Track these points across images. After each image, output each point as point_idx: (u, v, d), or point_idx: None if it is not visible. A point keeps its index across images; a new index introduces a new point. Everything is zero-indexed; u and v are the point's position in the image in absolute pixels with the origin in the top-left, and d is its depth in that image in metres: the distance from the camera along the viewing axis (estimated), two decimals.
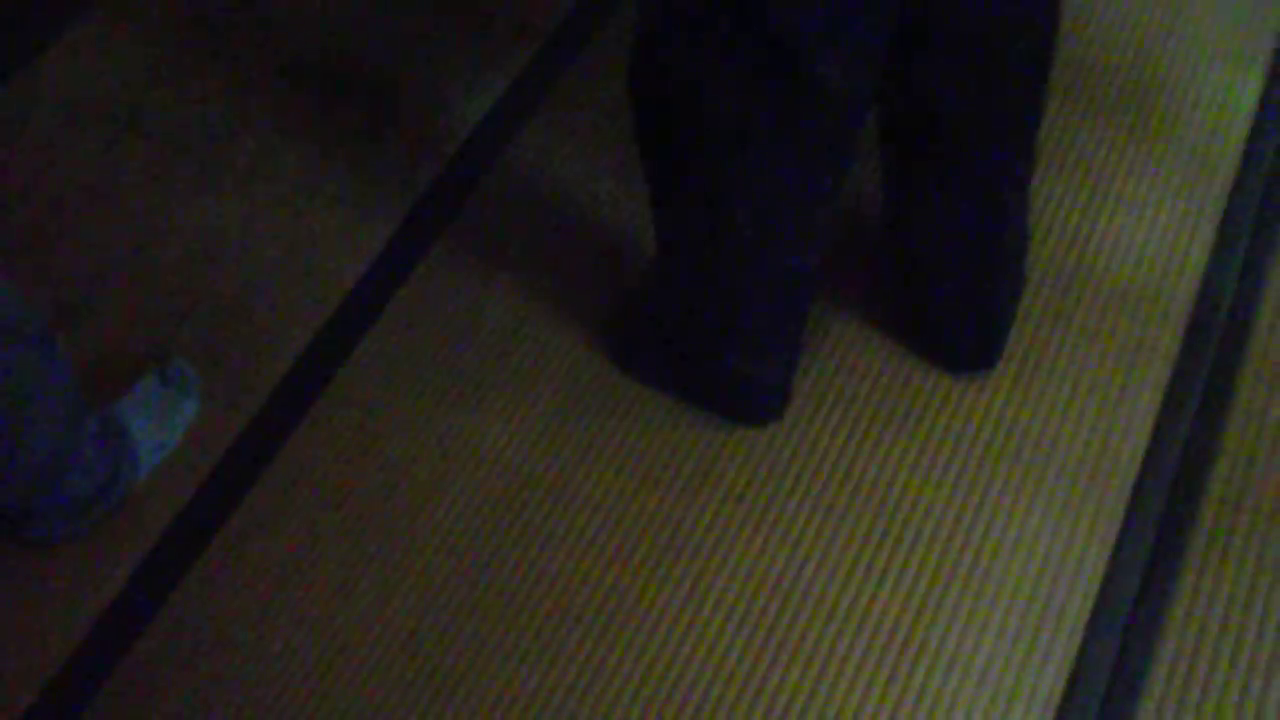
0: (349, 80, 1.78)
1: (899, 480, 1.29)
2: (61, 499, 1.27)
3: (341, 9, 1.87)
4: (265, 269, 1.58)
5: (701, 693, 1.19)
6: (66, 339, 1.51)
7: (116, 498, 1.34)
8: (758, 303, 1.14)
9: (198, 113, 1.76)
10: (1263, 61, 1.58)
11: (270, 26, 1.86)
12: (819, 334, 1.39)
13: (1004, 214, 1.14)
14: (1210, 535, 1.23)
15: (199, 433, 1.43)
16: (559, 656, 1.22)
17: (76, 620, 1.30)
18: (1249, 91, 1.56)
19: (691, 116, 0.93)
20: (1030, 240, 1.31)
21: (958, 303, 1.24)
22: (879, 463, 1.30)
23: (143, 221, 1.65)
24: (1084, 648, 1.18)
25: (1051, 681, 1.16)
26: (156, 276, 1.59)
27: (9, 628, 1.30)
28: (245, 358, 1.50)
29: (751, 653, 1.20)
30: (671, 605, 1.24)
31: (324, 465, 1.39)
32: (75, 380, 1.23)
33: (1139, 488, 1.26)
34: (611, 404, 1.39)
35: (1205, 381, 1.33)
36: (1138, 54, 1.60)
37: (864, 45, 0.86)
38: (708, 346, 1.24)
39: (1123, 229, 1.44)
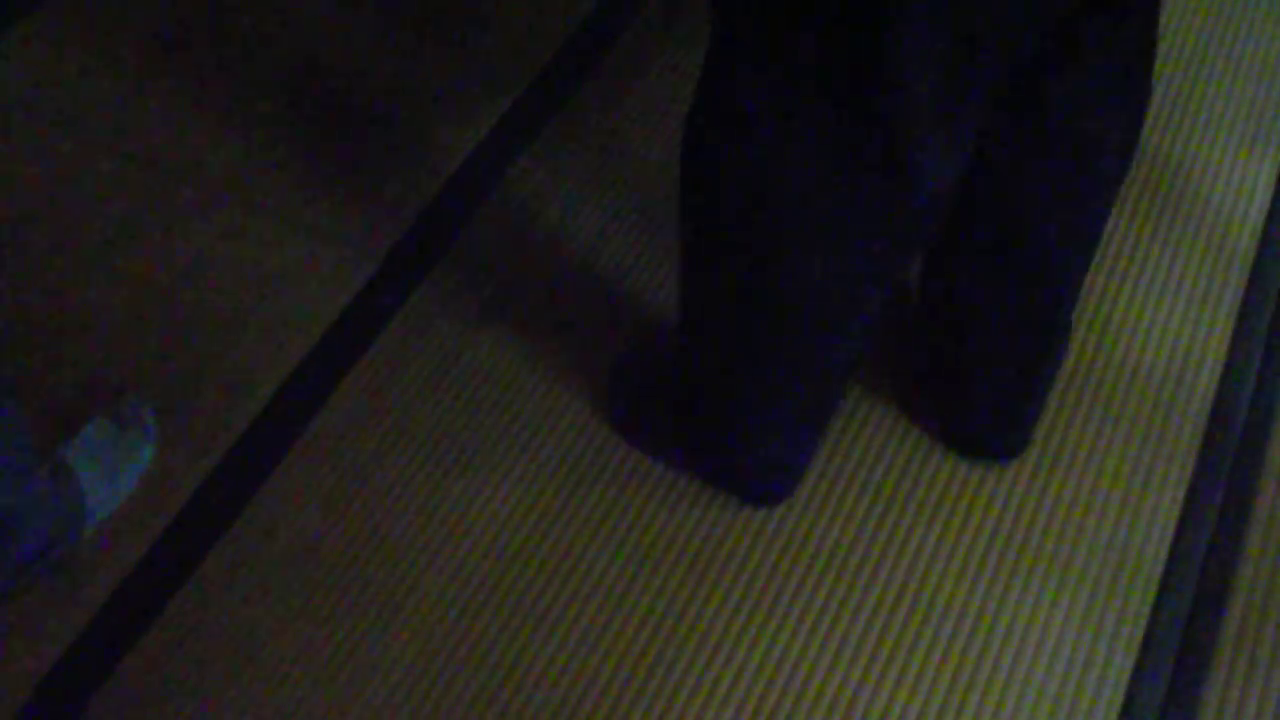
0: (331, 103, 1.66)
1: (916, 571, 1.22)
2: (9, 556, 1.14)
3: (328, 28, 1.76)
4: (235, 303, 1.46)
5: None
6: (13, 368, 1.38)
7: (58, 554, 1.21)
8: (794, 390, 1.07)
9: (163, 126, 1.64)
10: (1277, 144, 1.56)
11: (251, 44, 1.74)
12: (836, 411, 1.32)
13: (1060, 308, 1.09)
14: (1237, 641, 1.18)
15: (155, 482, 1.31)
16: None
17: (4, 696, 1.17)
18: (1264, 174, 1.53)
19: (757, 197, 0.85)
20: (1071, 330, 1.26)
21: (995, 392, 1.18)
22: (896, 551, 1.23)
23: (98, 240, 1.52)
24: None
25: None
26: (114, 305, 1.46)
27: None
28: (210, 400, 1.38)
29: None
30: (675, 701, 1.15)
31: (292, 526, 1.28)
32: (26, 425, 1.11)
33: (1164, 587, 1.21)
34: (611, 473, 1.30)
35: (1229, 474, 1.28)
36: (1153, 136, 1.56)
37: (964, 133, 0.79)
38: (727, 427, 1.16)
39: (1141, 313, 1.40)
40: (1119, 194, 1.02)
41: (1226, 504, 1.27)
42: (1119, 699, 1.15)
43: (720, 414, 1.17)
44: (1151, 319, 1.40)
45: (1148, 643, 1.18)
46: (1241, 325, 1.40)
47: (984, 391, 1.20)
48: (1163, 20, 1.27)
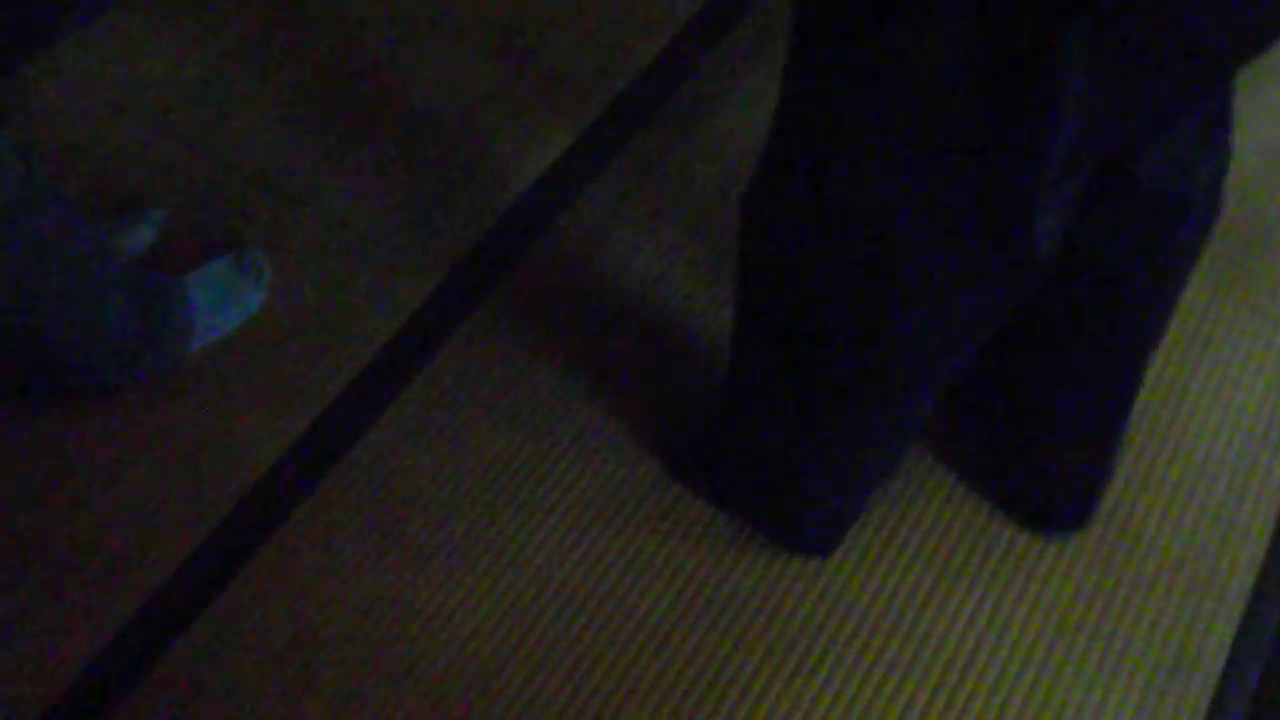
0: (405, 123, 1.67)
1: (967, 641, 1.18)
2: (101, 356, 1.30)
3: (406, 50, 1.76)
4: (294, 312, 1.46)
5: None
6: None
7: (166, 357, 1.38)
8: (860, 443, 1.04)
9: (244, 131, 1.65)
10: None
11: (322, 53, 1.75)
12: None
13: (1135, 377, 1.05)
14: None
15: (207, 483, 1.31)
16: None
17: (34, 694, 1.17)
18: None
19: (838, 251, 0.82)
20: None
21: (1063, 462, 1.14)
22: (946, 619, 1.20)
23: (191, 246, 1.53)
24: None
25: None
26: None
27: None
28: (256, 414, 1.38)
29: None
30: None
31: (338, 542, 1.27)
32: (99, 250, 1.27)
33: (1225, 679, 1.17)
34: (660, 513, 1.28)
35: None
36: (1238, 203, 1.51)
37: (1076, 196, 0.77)
38: (784, 476, 1.13)
39: (1219, 387, 1.36)
40: (1198, 260, 0.98)
41: None
42: None
43: (773, 459, 1.14)
44: (1230, 395, 1.35)
45: None
46: None
47: (1050, 460, 1.16)
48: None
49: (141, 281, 1.34)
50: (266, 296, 1.47)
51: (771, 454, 1.13)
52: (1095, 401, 1.06)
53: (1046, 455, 1.16)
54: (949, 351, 0.90)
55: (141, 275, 1.35)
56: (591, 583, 1.24)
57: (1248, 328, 1.40)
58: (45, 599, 1.24)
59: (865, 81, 0.72)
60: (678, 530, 1.26)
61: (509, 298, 1.47)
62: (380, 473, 1.33)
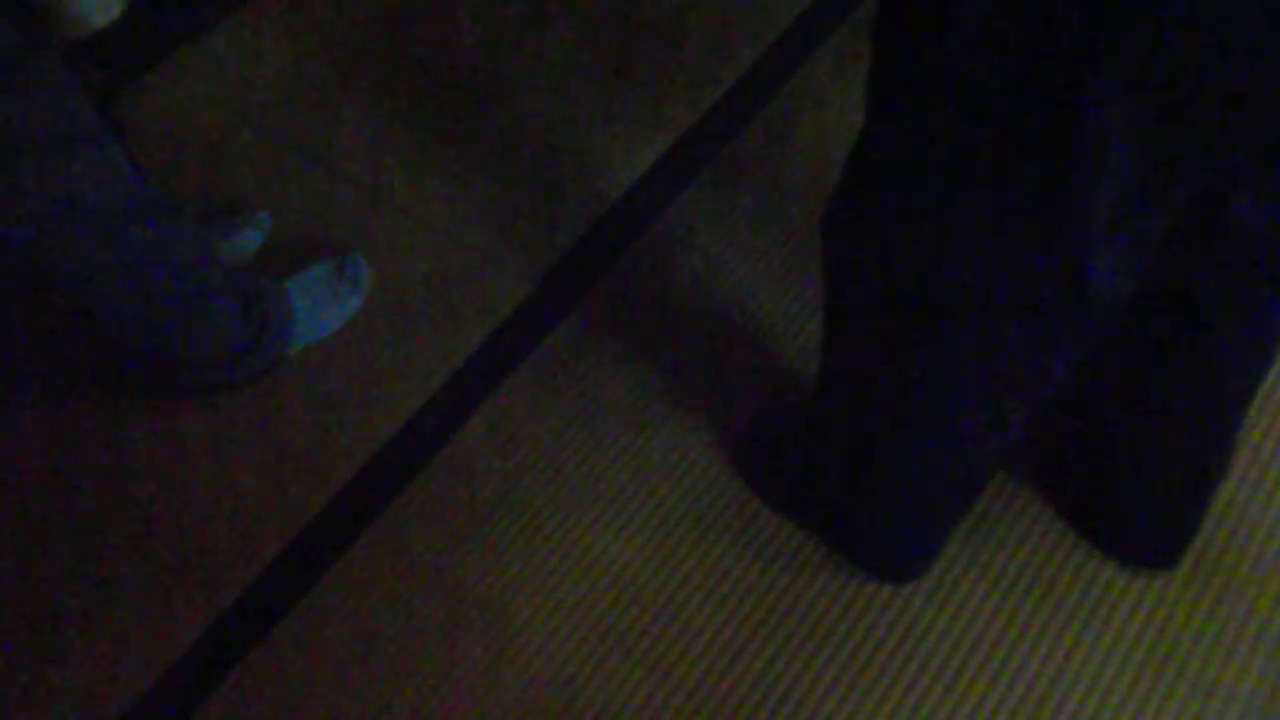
0: (499, 128, 1.70)
1: (1045, 674, 1.16)
2: (206, 356, 1.37)
3: (501, 56, 1.80)
4: (385, 318, 1.51)
5: None
6: None
7: (267, 359, 1.43)
8: (935, 476, 1.03)
9: (343, 135, 1.71)
10: None
11: (427, 62, 1.80)
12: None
13: (1237, 419, 1.01)
14: None
15: (295, 482, 1.37)
16: None
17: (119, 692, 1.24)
18: None
19: (916, 282, 0.82)
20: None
21: (1157, 497, 1.11)
22: (1026, 651, 1.18)
23: (297, 242, 1.60)
24: None
25: None
26: None
27: None
28: (352, 411, 1.43)
29: None
30: None
31: (422, 542, 1.32)
32: (206, 256, 1.34)
33: None
34: (738, 528, 1.29)
35: None
36: None
37: (1145, 243, 0.75)
38: (863, 502, 1.13)
39: None
40: None
41: None
42: None
43: (854, 483, 1.14)
44: None
45: None
46: None
47: (1143, 498, 1.13)
48: None
49: (246, 285, 1.40)
50: (364, 301, 1.52)
51: (854, 476, 1.12)
52: (1189, 443, 1.03)
53: (1135, 494, 1.13)
54: (1011, 388, 0.89)
55: (246, 279, 1.41)
56: (667, 593, 1.25)
57: None
58: (146, 590, 1.32)
59: (918, 103, 0.71)
60: (755, 547, 1.27)
61: (599, 305, 1.50)
62: (467, 475, 1.36)
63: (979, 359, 0.86)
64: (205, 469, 1.40)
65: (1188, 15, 0.59)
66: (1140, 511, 1.15)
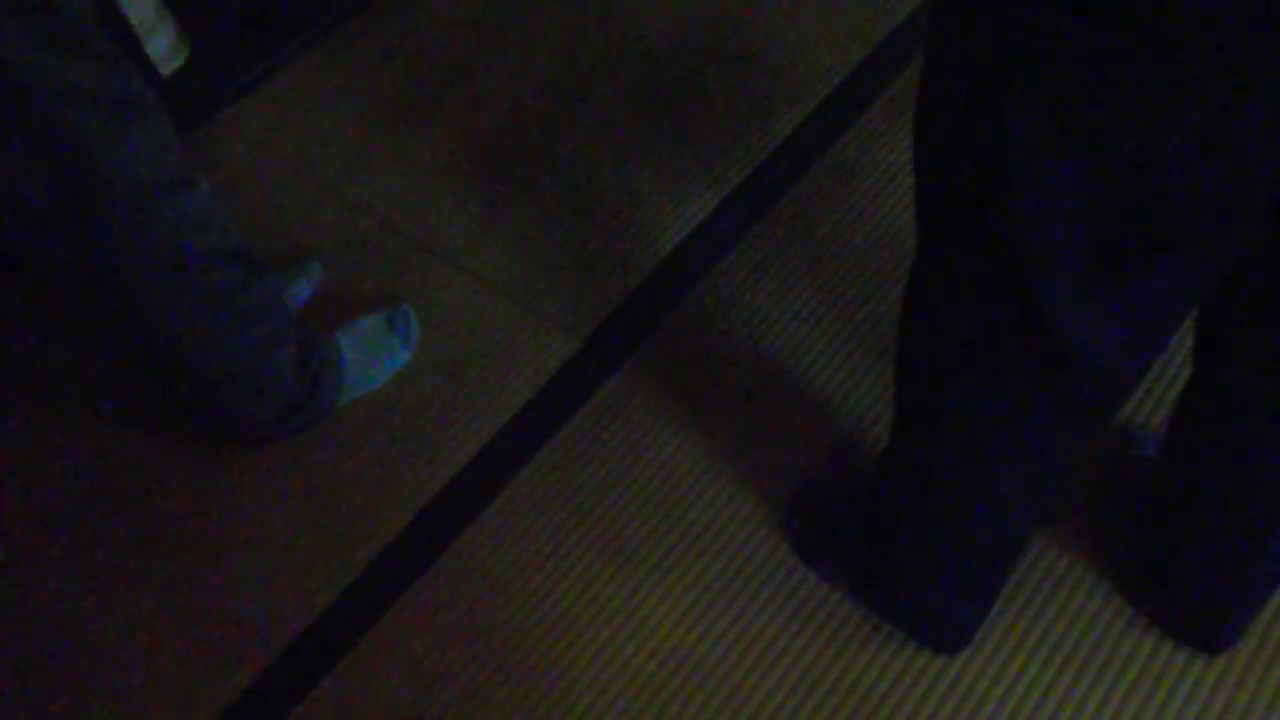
0: (552, 183, 1.71)
1: None
2: (263, 406, 1.39)
3: (553, 107, 1.81)
4: (434, 371, 1.52)
5: None
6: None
7: (317, 413, 1.45)
8: (960, 552, 1.02)
9: (397, 188, 1.73)
10: None
11: (474, 108, 1.82)
12: (1032, 561, 1.25)
13: None
14: None
15: (347, 533, 1.38)
16: None
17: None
18: None
19: (935, 353, 0.85)
20: None
21: (1211, 580, 1.09)
22: None
23: (338, 288, 1.61)
24: None
25: None
26: None
27: None
28: (410, 468, 1.44)
29: None
30: None
31: (465, 599, 1.32)
32: (282, 304, 1.38)
33: None
34: (785, 595, 1.27)
35: None
36: None
37: (1141, 314, 0.74)
38: (905, 573, 1.12)
39: None
40: None
41: None
42: None
43: (896, 553, 1.13)
44: None
45: None
46: None
47: (1199, 577, 1.11)
48: None
49: (305, 337, 1.41)
50: (414, 353, 1.53)
51: (894, 551, 1.11)
52: (1244, 523, 1.00)
53: (1191, 572, 1.10)
54: (1021, 466, 0.90)
55: (304, 330, 1.43)
56: (712, 659, 1.24)
57: None
58: (194, 639, 1.32)
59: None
60: (802, 615, 1.26)
61: (646, 361, 1.50)
62: (513, 532, 1.36)
63: (992, 438, 0.87)
64: (252, 521, 1.41)
65: (1111, 51, 0.56)
66: (1193, 591, 1.13)
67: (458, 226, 1.68)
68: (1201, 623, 1.15)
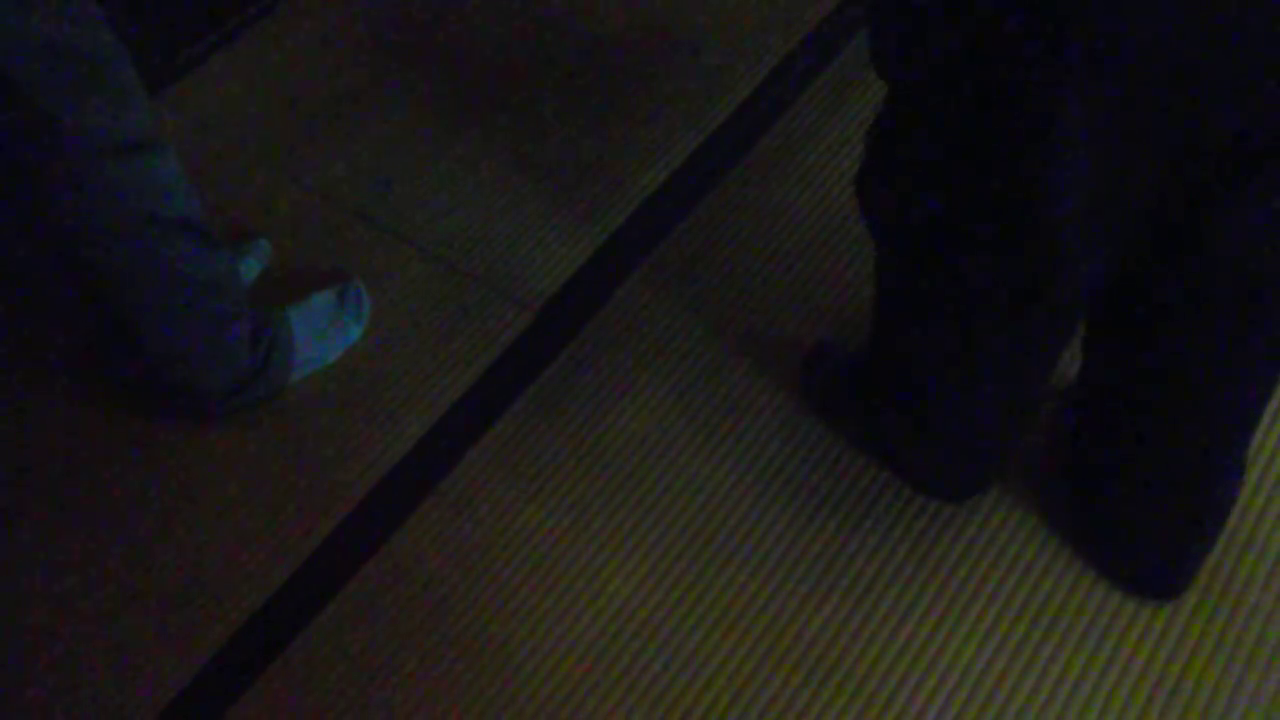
0: (500, 158, 1.70)
1: (1056, 701, 1.15)
2: (216, 381, 1.37)
3: (504, 89, 1.80)
4: (386, 346, 1.51)
5: None
6: None
7: (269, 389, 1.43)
8: (973, 417, 1.10)
9: (343, 165, 1.71)
10: None
11: (420, 83, 1.80)
12: (974, 517, 1.26)
13: (1232, 448, 1.01)
14: None
15: (298, 515, 1.36)
16: None
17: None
18: None
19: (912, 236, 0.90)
20: (1245, 467, 1.17)
21: (1156, 529, 1.10)
22: (1032, 681, 1.17)
23: (293, 262, 1.59)
24: None
25: None
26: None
27: None
28: (362, 432, 1.43)
29: None
30: None
31: (424, 572, 1.31)
32: (240, 281, 1.36)
33: None
34: (742, 560, 1.28)
35: None
36: None
37: (1112, 237, 0.78)
38: (914, 436, 1.19)
39: None
40: None
41: None
42: None
43: (900, 399, 1.17)
44: None
45: None
46: None
47: (1144, 528, 1.12)
48: None
49: (255, 313, 1.40)
50: (365, 329, 1.51)
51: (895, 391, 1.16)
52: (1184, 472, 1.02)
53: (1137, 524, 1.12)
54: (990, 362, 0.96)
55: (255, 307, 1.41)
56: (669, 627, 1.24)
57: None
58: (149, 614, 1.31)
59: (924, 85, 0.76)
60: (760, 575, 1.26)
61: (601, 332, 1.49)
62: (469, 506, 1.36)
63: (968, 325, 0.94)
64: (204, 497, 1.40)
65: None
66: (1141, 542, 1.14)
67: (407, 202, 1.66)
68: (1149, 574, 1.17)
